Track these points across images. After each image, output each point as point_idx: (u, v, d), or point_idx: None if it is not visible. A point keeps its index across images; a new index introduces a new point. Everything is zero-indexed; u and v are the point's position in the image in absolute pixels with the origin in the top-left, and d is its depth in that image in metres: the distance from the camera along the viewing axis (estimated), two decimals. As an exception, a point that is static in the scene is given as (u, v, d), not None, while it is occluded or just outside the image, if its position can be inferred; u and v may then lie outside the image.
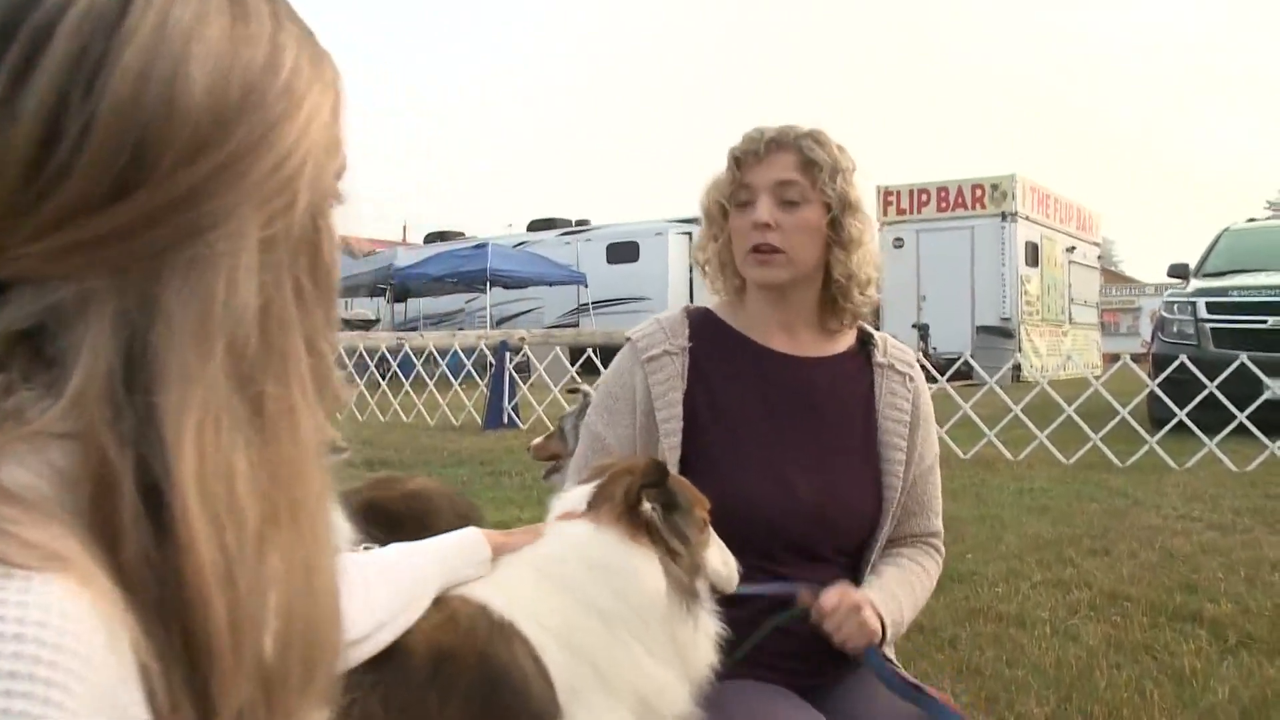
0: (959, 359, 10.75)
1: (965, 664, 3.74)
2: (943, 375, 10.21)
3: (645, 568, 1.70)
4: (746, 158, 2.20)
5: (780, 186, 2.16)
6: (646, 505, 1.72)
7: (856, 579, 2.21)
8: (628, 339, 2.30)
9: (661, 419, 2.19)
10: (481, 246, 25.35)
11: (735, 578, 1.84)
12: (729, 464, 2.15)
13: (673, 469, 2.16)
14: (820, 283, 2.25)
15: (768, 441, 2.19)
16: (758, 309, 2.29)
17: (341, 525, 2.24)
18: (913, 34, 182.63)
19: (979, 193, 21.79)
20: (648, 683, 1.69)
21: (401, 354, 14.74)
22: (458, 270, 24.31)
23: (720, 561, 1.82)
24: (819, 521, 2.15)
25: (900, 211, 22.46)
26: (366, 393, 13.88)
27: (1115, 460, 8.68)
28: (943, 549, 2.34)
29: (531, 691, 1.61)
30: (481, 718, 1.58)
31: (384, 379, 14.56)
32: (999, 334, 20.18)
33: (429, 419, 12.99)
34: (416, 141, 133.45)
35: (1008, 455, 9.13)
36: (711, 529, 1.83)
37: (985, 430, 9.39)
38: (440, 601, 1.71)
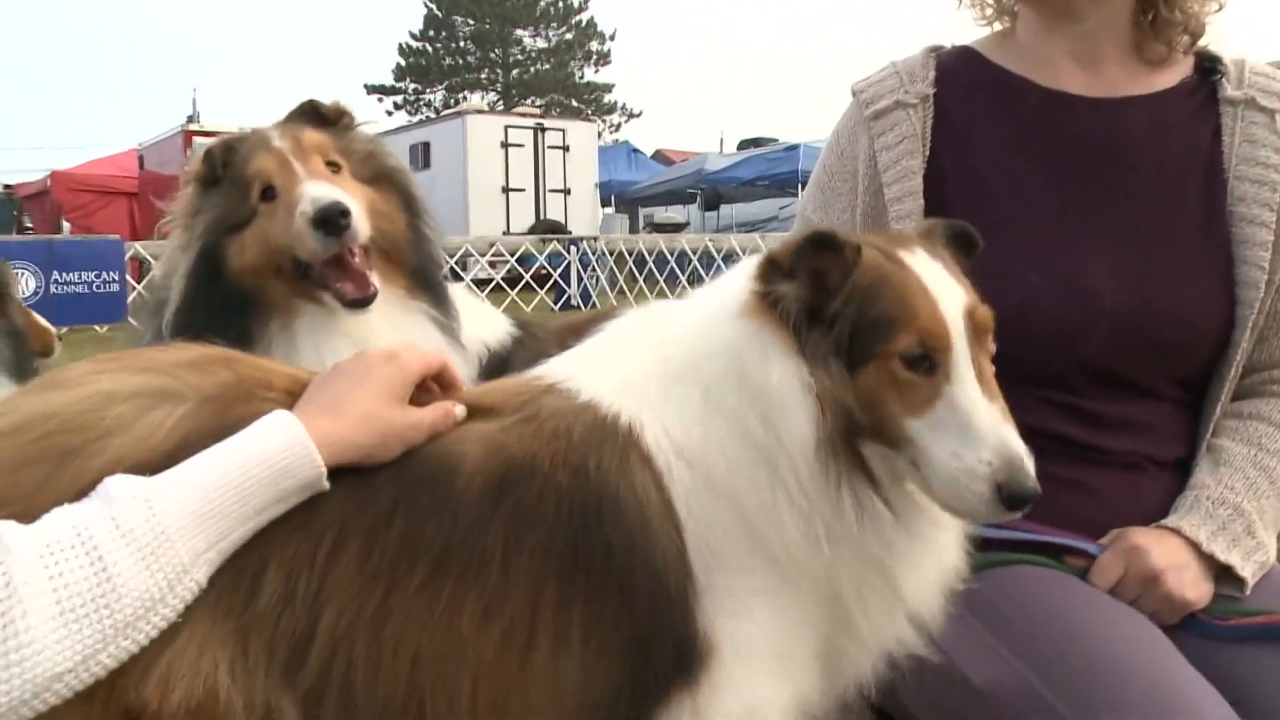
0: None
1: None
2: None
3: (794, 402, 1.10)
4: None
5: None
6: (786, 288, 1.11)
7: (1199, 427, 1.51)
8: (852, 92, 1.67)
9: (892, 197, 1.57)
10: (793, 148, 24.79)
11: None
12: (995, 258, 1.48)
13: None
14: None
15: (1055, 223, 1.53)
16: (1037, 35, 1.59)
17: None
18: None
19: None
20: (847, 575, 1.09)
21: (700, 254, 14.52)
22: (768, 173, 23.96)
23: (950, 453, 1.10)
24: (1135, 338, 1.48)
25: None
26: (667, 288, 13.80)
27: None
28: None
29: (652, 538, 1.07)
30: (568, 573, 1.06)
31: (683, 278, 14.45)
32: None
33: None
34: (729, 53, 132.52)
35: None
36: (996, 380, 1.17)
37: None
38: (504, 392, 1.18)
